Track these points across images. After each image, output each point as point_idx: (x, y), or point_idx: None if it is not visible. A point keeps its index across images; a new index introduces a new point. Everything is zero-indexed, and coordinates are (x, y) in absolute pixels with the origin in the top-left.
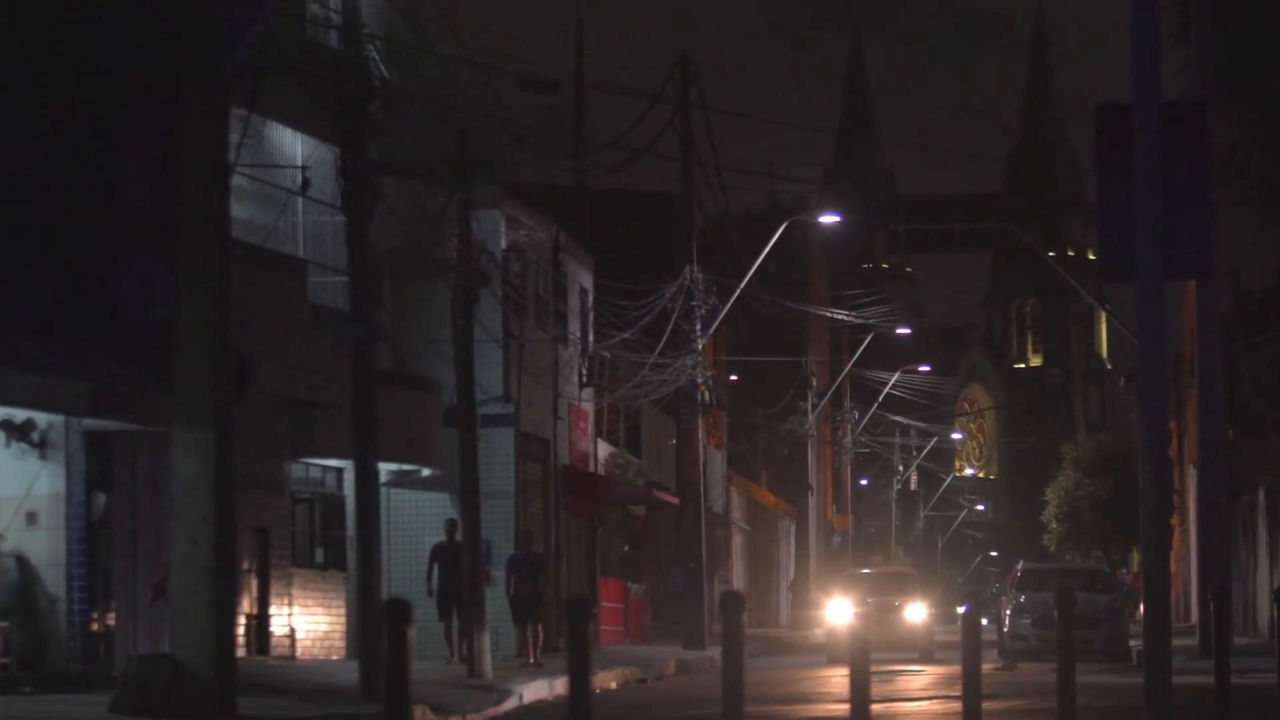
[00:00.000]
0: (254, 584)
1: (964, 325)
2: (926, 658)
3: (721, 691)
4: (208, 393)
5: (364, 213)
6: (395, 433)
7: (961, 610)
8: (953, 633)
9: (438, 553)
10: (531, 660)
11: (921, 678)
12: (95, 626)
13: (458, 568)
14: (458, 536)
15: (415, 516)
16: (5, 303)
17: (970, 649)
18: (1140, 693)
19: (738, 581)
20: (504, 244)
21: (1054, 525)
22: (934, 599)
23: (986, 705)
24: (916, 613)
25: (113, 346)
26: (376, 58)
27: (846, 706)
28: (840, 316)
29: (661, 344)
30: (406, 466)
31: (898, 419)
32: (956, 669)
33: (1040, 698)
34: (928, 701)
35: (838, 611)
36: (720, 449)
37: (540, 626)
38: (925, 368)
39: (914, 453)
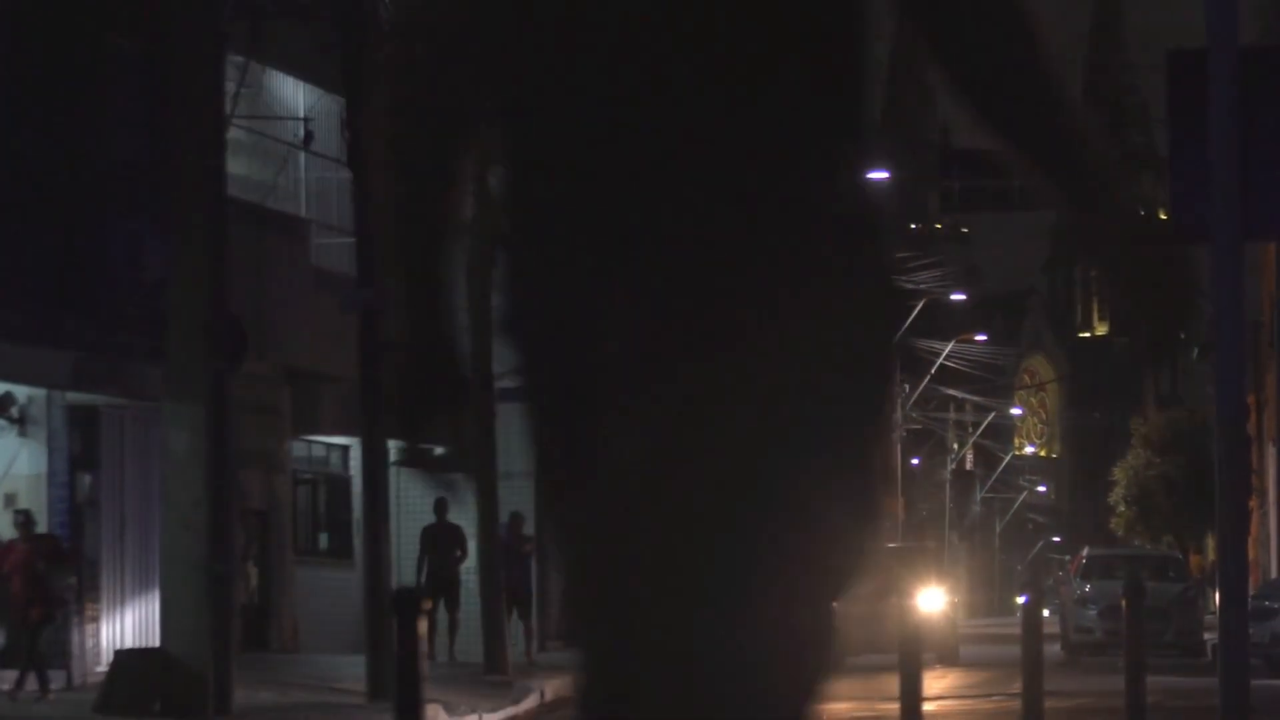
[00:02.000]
0: (252, 572)
1: (1024, 290)
2: (948, 659)
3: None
4: (202, 363)
5: (372, 168)
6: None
7: (1021, 601)
8: (984, 627)
9: (426, 536)
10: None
11: (946, 680)
12: (79, 617)
13: (448, 553)
14: (449, 518)
15: (427, 499)
16: None
17: (1031, 642)
18: (1215, 692)
19: None
20: None
21: (1122, 508)
22: (953, 584)
23: (1049, 704)
24: (931, 600)
25: (99, 313)
26: None
27: (895, 705)
28: None
29: None
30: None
31: (952, 393)
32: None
33: (1106, 696)
34: (984, 699)
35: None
36: None
37: (528, 616)
38: (982, 337)
39: (969, 430)
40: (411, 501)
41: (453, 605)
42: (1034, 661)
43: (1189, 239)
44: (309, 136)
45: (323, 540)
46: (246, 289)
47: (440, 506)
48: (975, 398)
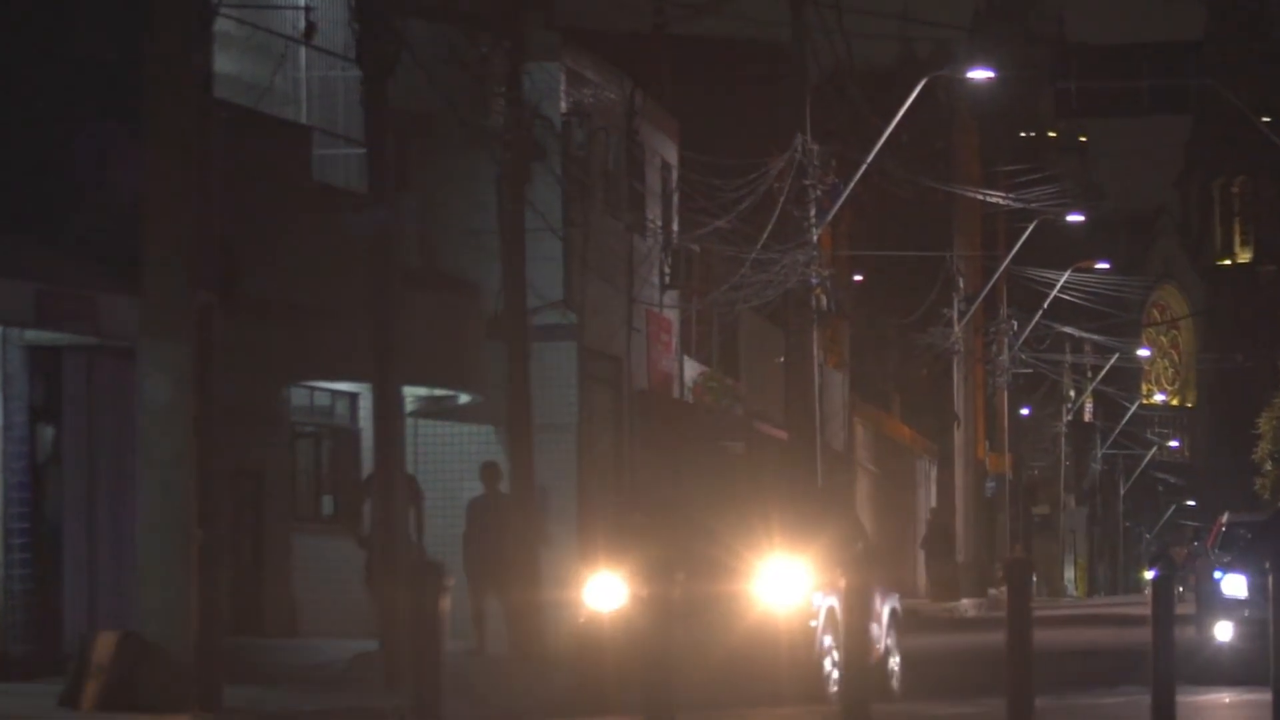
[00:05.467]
0: (244, 542)
1: (1153, 210)
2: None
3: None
4: (184, 296)
5: (384, 67)
6: (424, 348)
7: (1150, 575)
8: (1105, 606)
9: (474, 511)
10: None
11: None
12: (41, 596)
13: (501, 530)
14: (503, 487)
15: (450, 455)
16: None
17: (1162, 625)
18: None
19: None
20: (564, 106)
21: (1269, 466)
22: (882, 566)
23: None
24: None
25: (63, 237)
26: None
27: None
28: (995, 199)
29: (766, 234)
30: (439, 391)
31: (1068, 330)
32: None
33: (1250, 687)
34: (1107, 695)
35: (604, 597)
36: (841, 369)
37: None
38: (1104, 265)
39: (1089, 375)
40: (431, 457)
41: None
42: (1165, 648)
43: None
44: (311, 28)
45: (326, 504)
46: (237, 208)
47: (490, 474)
48: (1095, 337)
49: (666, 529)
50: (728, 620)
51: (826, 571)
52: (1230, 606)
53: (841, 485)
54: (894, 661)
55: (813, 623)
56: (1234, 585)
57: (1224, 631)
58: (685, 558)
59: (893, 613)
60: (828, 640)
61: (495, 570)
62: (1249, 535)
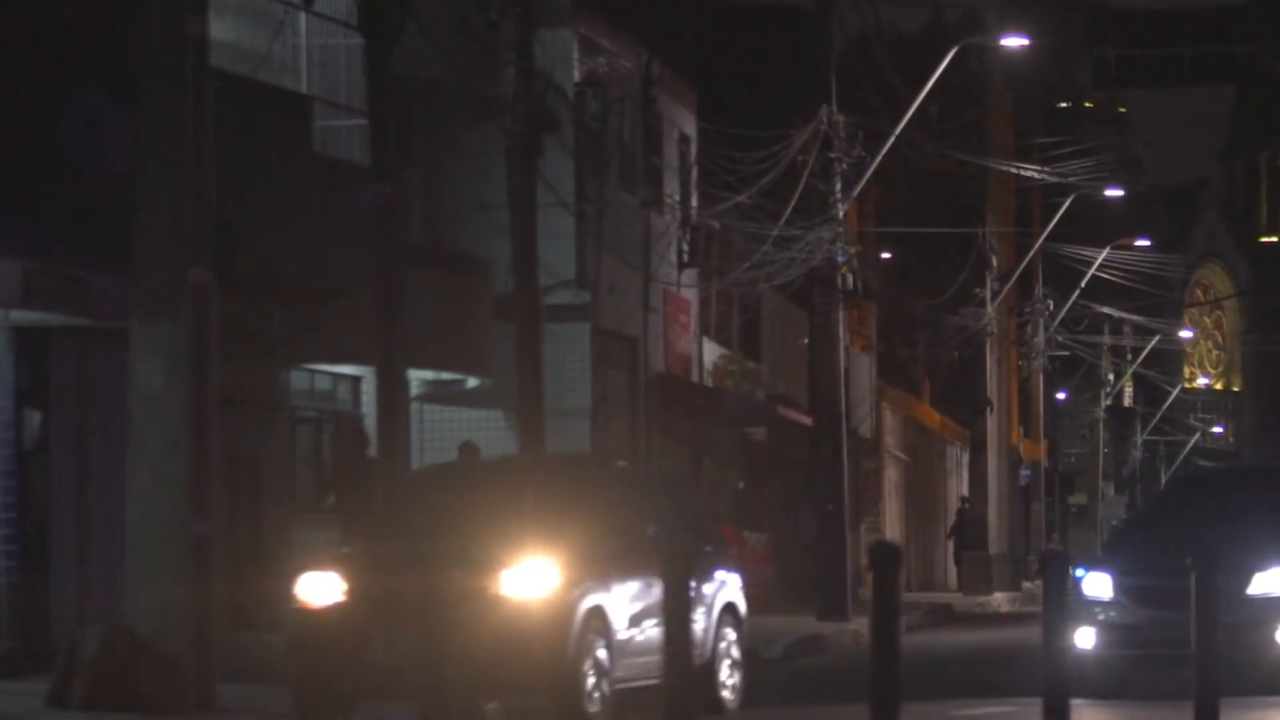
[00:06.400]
0: (241, 533)
1: (1196, 185)
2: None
3: (869, 678)
4: (178, 275)
5: (389, 33)
6: (430, 329)
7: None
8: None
9: None
10: None
11: None
12: (28, 590)
13: None
14: None
15: (457, 442)
16: None
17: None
18: None
19: (892, 529)
20: (578, 76)
21: None
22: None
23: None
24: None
25: (51, 212)
26: None
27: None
28: (1030, 173)
29: (789, 210)
30: (446, 375)
31: (1107, 311)
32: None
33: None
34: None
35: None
36: (868, 352)
37: None
38: (1144, 242)
39: (1128, 357)
40: (437, 443)
41: None
42: (1207, 647)
43: None
44: None
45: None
46: (233, 183)
47: (468, 455)
48: (1135, 317)
49: (407, 517)
50: (466, 623)
51: (598, 563)
52: (1092, 609)
53: (869, 473)
54: (727, 666)
55: (569, 626)
56: (1097, 585)
57: (1085, 638)
58: (416, 550)
59: (730, 607)
60: (600, 648)
61: None
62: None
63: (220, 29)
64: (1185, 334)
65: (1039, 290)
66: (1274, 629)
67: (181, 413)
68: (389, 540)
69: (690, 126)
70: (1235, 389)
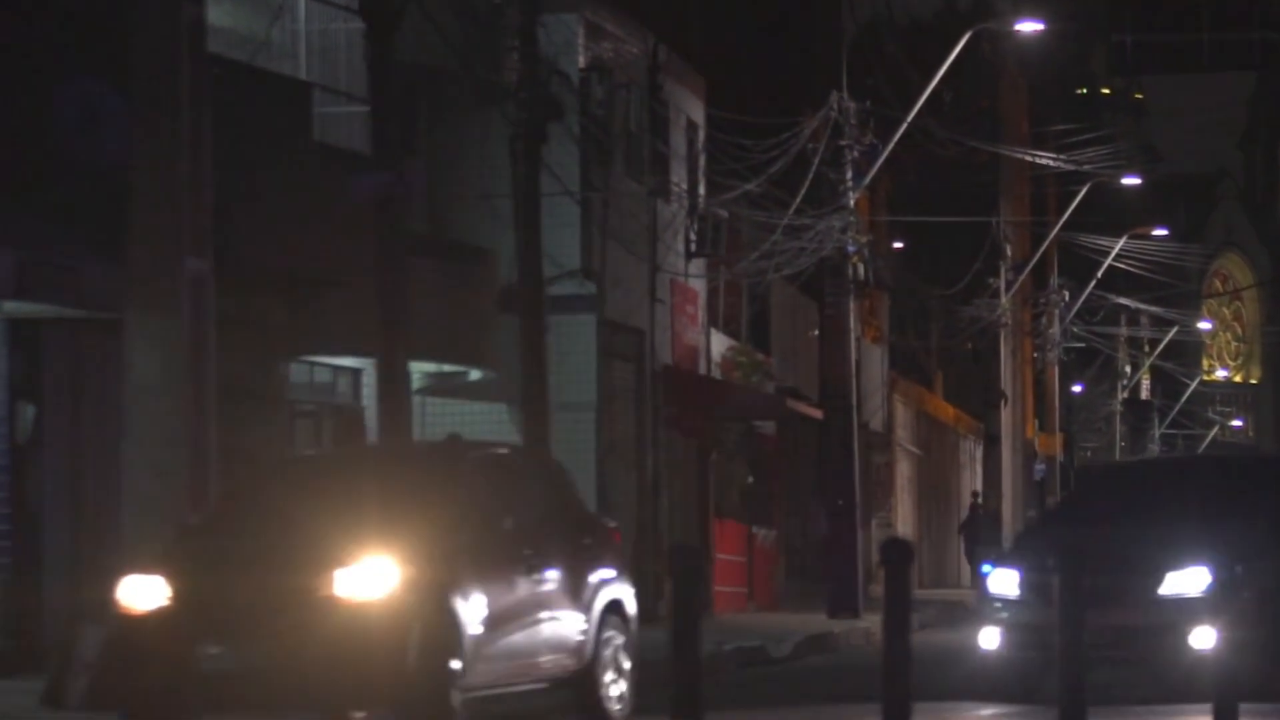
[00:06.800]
0: None
1: (1214, 173)
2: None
3: (882, 678)
4: (174, 265)
5: (390, 18)
6: (433, 321)
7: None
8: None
9: None
10: None
11: None
12: (20, 587)
13: None
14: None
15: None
16: None
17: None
18: None
19: (904, 525)
20: (583, 62)
21: None
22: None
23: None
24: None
25: (44, 201)
26: None
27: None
28: (1045, 161)
29: (799, 199)
30: (448, 367)
31: (1123, 302)
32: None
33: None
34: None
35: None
36: (880, 343)
37: None
38: (1161, 231)
39: (1146, 349)
40: (439, 437)
41: None
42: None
43: None
44: None
45: None
46: (231, 171)
47: None
48: (1153, 308)
49: (244, 512)
50: (296, 629)
51: (448, 560)
52: (997, 608)
53: (880, 468)
54: (612, 673)
55: (410, 631)
56: (1003, 582)
57: (990, 639)
58: (249, 548)
59: (615, 606)
60: (450, 653)
61: None
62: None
63: (217, 14)
64: (1204, 325)
65: (1054, 280)
66: (1187, 632)
67: (178, 406)
68: (222, 537)
69: (698, 113)
70: (1254, 381)
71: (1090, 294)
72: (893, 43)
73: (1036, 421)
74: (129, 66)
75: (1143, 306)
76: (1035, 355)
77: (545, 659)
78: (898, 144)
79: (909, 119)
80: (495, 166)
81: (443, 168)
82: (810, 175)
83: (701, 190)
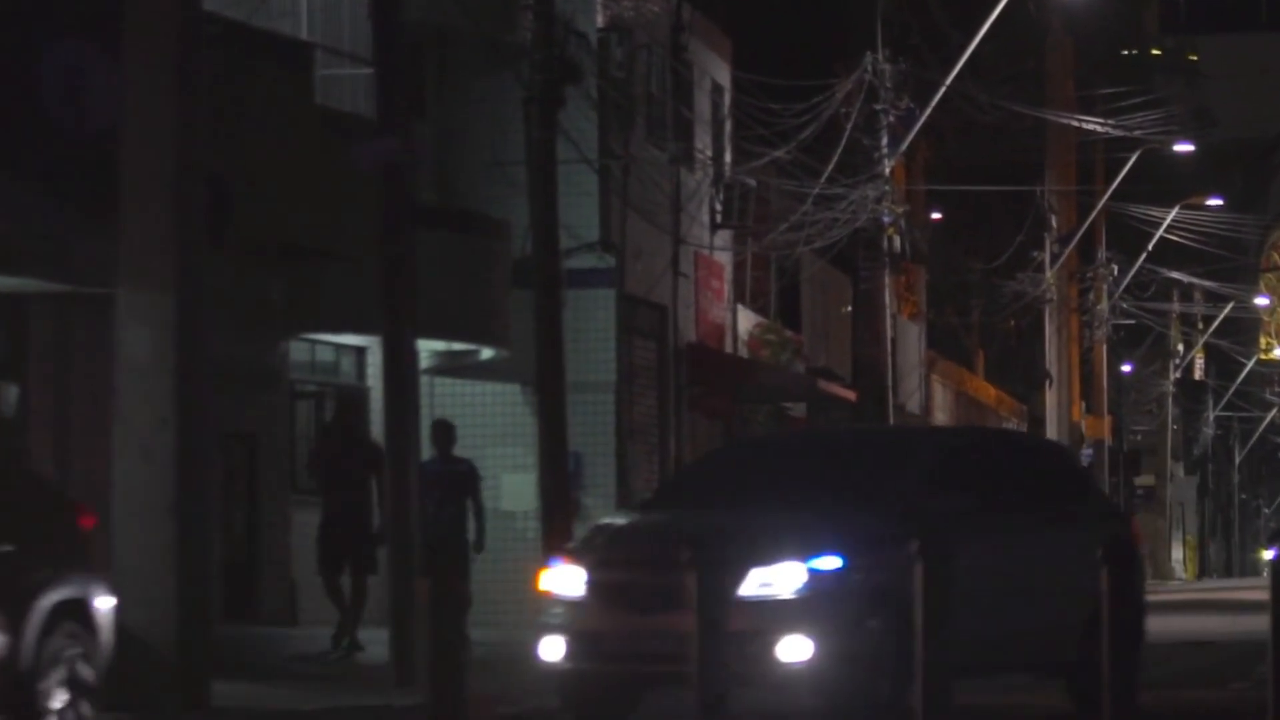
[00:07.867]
0: (235, 516)
1: (1273, 139)
2: None
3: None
4: (168, 237)
5: None
6: (442, 296)
7: (1270, 555)
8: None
9: (426, 480)
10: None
11: None
12: None
13: (454, 504)
14: (457, 451)
15: (471, 418)
16: None
17: None
18: None
19: None
20: (601, 21)
21: None
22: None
23: None
24: None
25: (29, 170)
26: None
27: None
28: (1092, 126)
29: (831, 166)
30: (458, 345)
31: (1176, 276)
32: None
33: None
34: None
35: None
36: (917, 320)
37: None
38: (1216, 201)
39: (1199, 326)
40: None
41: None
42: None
43: None
44: None
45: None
46: (228, 137)
47: (442, 434)
48: (1207, 283)
49: None
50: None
51: None
52: (557, 612)
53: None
54: (58, 686)
55: None
56: (566, 580)
57: (553, 649)
58: None
59: (70, 609)
60: None
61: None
62: None
63: None
64: (1261, 301)
65: (1102, 253)
66: (774, 640)
67: (171, 386)
68: None
69: (724, 76)
70: None
71: (1140, 268)
72: (930, 1)
73: (1083, 403)
74: (120, 26)
75: (1196, 281)
76: (1082, 333)
77: None
78: (936, 108)
79: (948, 82)
80: (508, 132)
81: (452, 133)
82: (843, 141)
83: (728, 157)
